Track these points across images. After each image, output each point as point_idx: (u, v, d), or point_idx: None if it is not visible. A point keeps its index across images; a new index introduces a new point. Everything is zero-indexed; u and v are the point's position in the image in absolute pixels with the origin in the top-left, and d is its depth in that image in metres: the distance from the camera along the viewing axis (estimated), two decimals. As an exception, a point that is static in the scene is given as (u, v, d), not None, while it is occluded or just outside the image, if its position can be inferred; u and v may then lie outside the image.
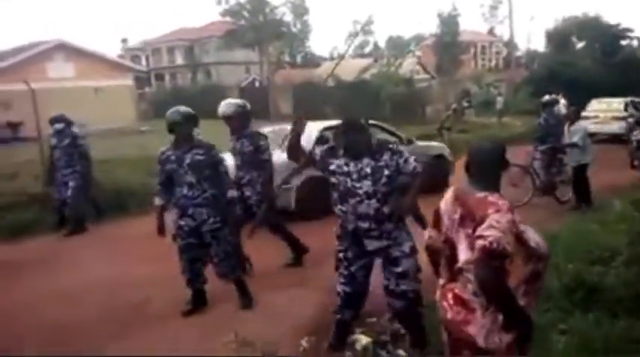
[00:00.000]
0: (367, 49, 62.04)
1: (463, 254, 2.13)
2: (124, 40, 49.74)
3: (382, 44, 62.23)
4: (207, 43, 43.27)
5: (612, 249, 4.14)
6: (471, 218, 2.08)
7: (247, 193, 4.98)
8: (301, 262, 5.37)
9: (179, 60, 46.10)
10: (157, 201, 4.21)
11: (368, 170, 3.15)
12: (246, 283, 4.44)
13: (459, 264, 2.16)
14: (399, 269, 3.26)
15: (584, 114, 16.53)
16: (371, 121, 11.89)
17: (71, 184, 7.02)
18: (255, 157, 4.91)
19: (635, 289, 3.36)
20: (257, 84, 37.86)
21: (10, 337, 3.96)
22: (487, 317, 2.05)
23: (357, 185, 3.16)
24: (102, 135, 19.06)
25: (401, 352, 3.46)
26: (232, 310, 4.30)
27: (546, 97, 8.76)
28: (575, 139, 7.41)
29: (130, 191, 8.40)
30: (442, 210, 2.29)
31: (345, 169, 3.21)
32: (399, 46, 56.21)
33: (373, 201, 3.16)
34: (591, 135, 15.57)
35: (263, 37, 29.90)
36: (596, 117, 15.62)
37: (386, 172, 3.13)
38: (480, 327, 2.06)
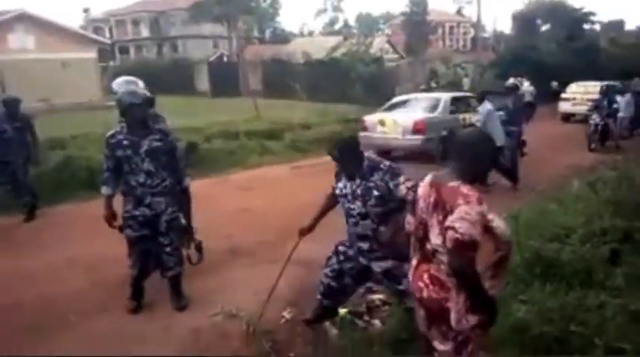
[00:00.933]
0: (337, 26, 61.70)
1: (434, 238, 2.23)
2: (86, 11, 48.01)
3: (352, 22, 61.99)
4: (173, 15, 42.17)
5: (569, 227, 4.47)
6: (442, 206, 2.16)
7: None
8: None
9: (144, 32, 44.80)
10: (105, 190, 3.85)
11: (359, 191, 3.13)
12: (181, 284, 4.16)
13: (432, 246, 2.25)
14: (401, 287, 3.16)
15: (563, 96, 17.41)
16: (459, 94, 12.11)
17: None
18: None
19: (588, 264, 3.70)
20: (225, 59, 37.30)
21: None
22: (460, 297, 2.17)
23: (352, 206, 3.18)
24: (68, 109, 18.62)
25: (376, 321, 3.75)
26: (215, 286, 4.45)
27: (510, 81, 8.88)
28: (475, 119, 7.38)
29: (101, 169, 8.33)
30: (419, 193, 2.37)
31: (344, 191, 3.22)
32: (368, 24, 56.12)
33: (368, 222, 3.15)
34: (570, 115, 16.34)
35: (232, 11, 29.38)
36: (573, 99, 16.73)
37: (375, 193, 3.08)
38: (454, 304, 2.18)
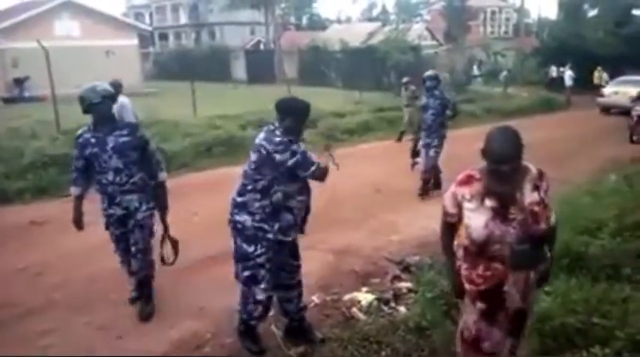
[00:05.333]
0: (375, 12, 61.00)
1: None
2: (128, -3, 49.05)
3: (390, 7, 61.14)
4: (212, 1, 42.63)
5: (600, 221, 4.44)
6: None
7: None
8: None
9: (183, 19, 45.51)
10: (73, 190, 3.74)
11: None
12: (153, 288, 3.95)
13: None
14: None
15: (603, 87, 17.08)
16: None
17: None
18: None
19: (616, 258, 3.70)
20: (262, 46, 37.52)
21: (35, 294, 4.25)
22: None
23: None
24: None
25: (401, 308, 3.86)
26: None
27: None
28: None
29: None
30: None
31: None
32: (407, 10, 55.22)
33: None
34: (611, 107, 15.91)
35: (269, -2, 29.53)
36: (616, 93, 16.18)
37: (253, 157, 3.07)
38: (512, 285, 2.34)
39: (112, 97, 3.68)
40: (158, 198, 3.83)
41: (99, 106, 3.57)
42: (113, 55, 21.92)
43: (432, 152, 7.00)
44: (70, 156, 7.91)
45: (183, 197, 7.07)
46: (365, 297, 3.99)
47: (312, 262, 4.78)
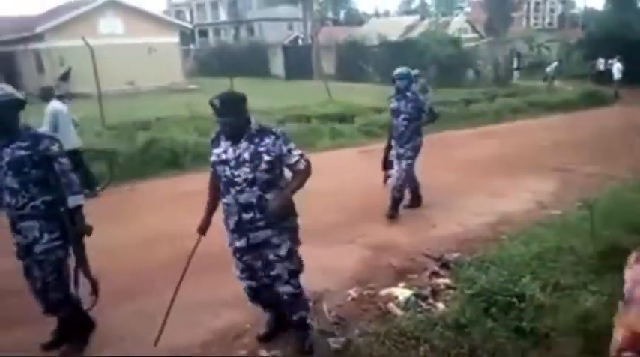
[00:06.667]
0: (414, 5, 60.24)
1: None
2: (170, -5, 50.06)
3: (429, 0, 60.19)
4: (250, -2, 43.09)
5: (651, 218, 4.27)
6: None
7: None
8: None
9: (222, 16, 46.16)
10: None
11: (246, 156, 2.87)
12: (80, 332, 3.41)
13: None
14: (281, 253, 3.03)
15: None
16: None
17: None
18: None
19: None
20: (300, 42, 37.66)
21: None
22: None
23: (236, 173, 2.89)
24: (152, 92, 19.77)
25: (440, 304, 3.83)
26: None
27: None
28: None
29: (184, 149, 8.91)
30: None
31: (223, 157, 2.93)
32: (447, 2, 54.26)
33: (255, 189, 2.89)
34: None
35: (307, -7, 29.58)
36: None
37: (266, 157, 2.86)
38: None
39: (13, 104, 3.00)
40: (69, 229, 3.08)
41: None
42: (155, 53, 22.46)
43: (404, 164, 5.84)
44: (115, 151, 8.41)
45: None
46: (402, 292, 3.97)
47: (350, 256, 4.82)
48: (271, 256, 3.02)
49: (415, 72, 11.48)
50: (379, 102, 14.59)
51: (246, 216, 2.93)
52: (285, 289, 3.10)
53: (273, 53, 31.39)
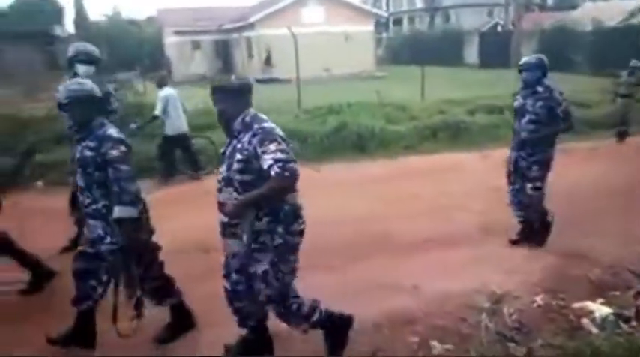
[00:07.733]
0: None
1: None
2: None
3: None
4: (449, -16, 41.78)
5: None
6: None
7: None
8: None
9: (419, 3, 45.71)
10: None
11: (227, 152, 2.66)
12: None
13: None
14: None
15: None
16: None
17: None
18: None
19: None
20: (499, 28, 35.48)
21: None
22: None
23: (220, 169, 2.69)
24: (344, 79, 20.64)
25: (646, 329, 3.29)
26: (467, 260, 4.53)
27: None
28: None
29: (371, 134, 9.15)
30: None
31: (223, 149, 2.76)
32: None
33: (230, 189, 2.62)
34: None
35: (511, -24, 27.61)
36: None
37: (238, 156, 2.57)
38: None
39: (87, 100, 2.95)
40: (122, 238, 2.90)
41: (66, 108, 2.97)
42: (351, 41, 23.35)
43: (529, 188, 4.58)
44: (308, 132, 9.01)
45: (405, 178, 7.27)
46: (599, 308, 3.52)
47: (537, 261, 4.43)
48: (251, 269, 2.71)
49: (635, 63, 9.97)
50: (586, 95, 13.00)
51: (224, 219, 2.68)
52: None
53: (469, 41, 30.13)
